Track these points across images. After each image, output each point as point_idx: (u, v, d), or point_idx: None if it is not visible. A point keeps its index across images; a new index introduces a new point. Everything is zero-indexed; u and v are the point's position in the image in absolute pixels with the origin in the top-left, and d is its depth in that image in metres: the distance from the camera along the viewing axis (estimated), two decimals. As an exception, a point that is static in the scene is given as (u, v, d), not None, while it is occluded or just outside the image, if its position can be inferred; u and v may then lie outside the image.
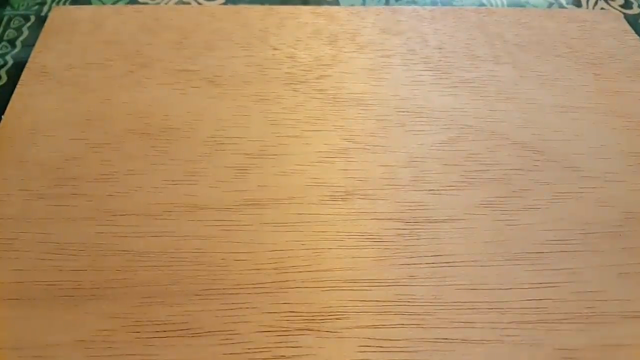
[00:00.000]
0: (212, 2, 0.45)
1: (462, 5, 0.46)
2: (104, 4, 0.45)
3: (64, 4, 0.45)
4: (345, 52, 0.40)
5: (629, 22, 0.44)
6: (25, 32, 0.42)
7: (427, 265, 0.28)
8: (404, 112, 0.36)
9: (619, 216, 0.31)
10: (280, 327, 0.26)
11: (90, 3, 0.45)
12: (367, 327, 0.26)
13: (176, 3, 0.45)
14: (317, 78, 0.38)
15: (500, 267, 0.29)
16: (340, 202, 0.31)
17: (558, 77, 0.39)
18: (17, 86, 0.36)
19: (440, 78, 0.38)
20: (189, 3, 0.45)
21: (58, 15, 0.42)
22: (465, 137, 0.35)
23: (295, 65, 0.39)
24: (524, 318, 0.27)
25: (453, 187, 0.32)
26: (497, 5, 0.46)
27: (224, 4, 0.45)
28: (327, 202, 0.31)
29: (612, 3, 0.47)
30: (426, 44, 0.41)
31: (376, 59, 0.40)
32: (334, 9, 0.44)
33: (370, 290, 0.28)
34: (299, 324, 0.26)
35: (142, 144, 0.33)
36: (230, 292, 0.27)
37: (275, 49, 0.40)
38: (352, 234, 0.30)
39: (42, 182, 0.31)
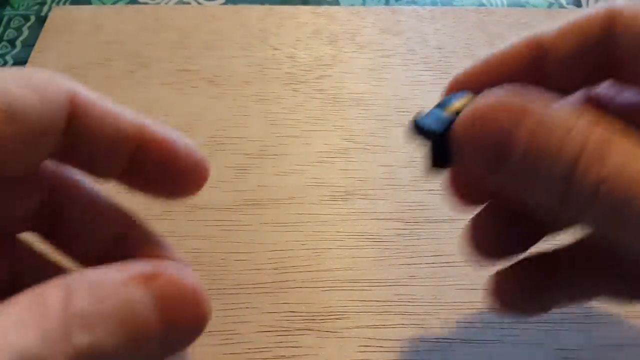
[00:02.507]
0: (212, 2, 0.45)
1: (462, 5, 0.46)
2: (104, 4, 0.45)
3: (64, 4, 0.45)
4: (345, 52, 0.40)
5: (629, 22, 0.44)
6: (25, 32, 0.42)
7: (427, 265, 0.28)
8: (404, 112, 0.36)
9: (619, 216, 0.31)
10: (280, 327, 0.26)
11: (90, 3, 0.45)
12: (367, 327, 0.26)
13: (176, 3, 0.45)
14: (317, 78, 0.38)
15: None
16: (340, 202, 0.31)
17: (558, 77, 0.39)
18: (17, 86, 0.36)
19: (440, 78, 0.38)
20: (189, 3, 0.45)
21: (58, 15, 0.42)
22: (465, 137, 0.35)
23: (295, 65, 0.39)
24: (524, 318, 0.27)
25: (453, 187, 0.32)
26: (497, 5, 0.46)
27: (224, 4, 0.45)
28: (327, 202, 0.31)
29: (612, 3, 0.47)
30: (426, 44, 0.41)
31: (376, 59, 0.40)
32: (334, 9, 0.44)
33: (370, 290, 0.28)
34: (299, 324, 0.26)
35: (142, 144, 0.33)
36: (230, 292, 0.27)
37: (275, 49, 0.40)
38: (352, 234, 0.30)
39: (42, 182, 0.31)
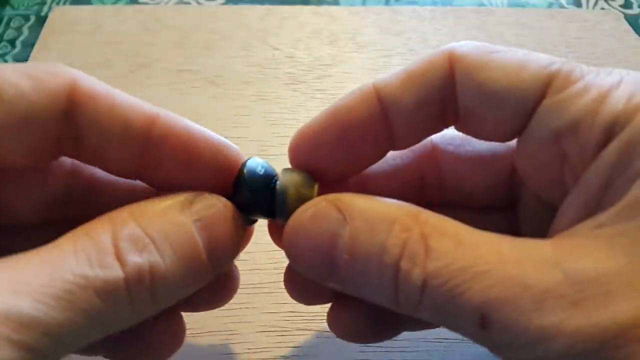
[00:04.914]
0: (212, 2, 0.45)
1: (462, 5, 0.46)
2: (104, 4, 0.45)
3: (64, 4, 0.45)
4: (345, 52, 0.40)
5: (629, 22, 0.44)
6: (25, 32, 0.42)
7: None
8: (404, 112, 0.36)
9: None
10: (280, 327, 0.26)
11: (90, 3, 0.45)
12: (367, 327, 0.26)
13: (176, 3, 0.45)
14: (317, 78, 0.38)
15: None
16: (340, 202, 0.31)
17: (558, 77, 0.39)
18: (17, 86, 0.36)
19: (440, 78, 0.38)
20: (189, 3, 0.45)
21: (58, 15, 0.42)
22: (465, 137, 0.35)
23: (295, 65, 0.39)
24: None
25: (453, 187, 0.32)
26: (497, 5, 0.46)
27: (224, 4, 0.45)
28: (327, 202, 0.31)
29: (612, 3, 0.47)
30: (426, 44, 0.41)
31: (376, 59, 0.40)
32: (334, 9, 0.44)
33: (370, 290, 0.27)
34: (299, 324, 0.26)
35: (142, 144, 0.33)
36: (230, 292, 0.27)
37: (275, 49, 0.40)
38: (352, 234, 0.30)
39: (42, 182, 0.31)
